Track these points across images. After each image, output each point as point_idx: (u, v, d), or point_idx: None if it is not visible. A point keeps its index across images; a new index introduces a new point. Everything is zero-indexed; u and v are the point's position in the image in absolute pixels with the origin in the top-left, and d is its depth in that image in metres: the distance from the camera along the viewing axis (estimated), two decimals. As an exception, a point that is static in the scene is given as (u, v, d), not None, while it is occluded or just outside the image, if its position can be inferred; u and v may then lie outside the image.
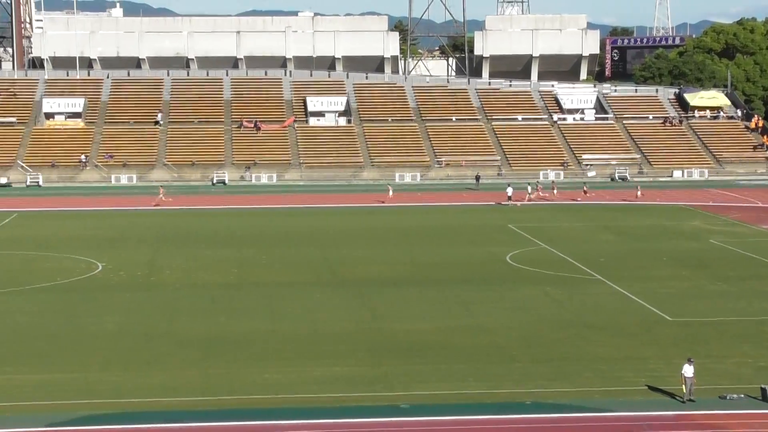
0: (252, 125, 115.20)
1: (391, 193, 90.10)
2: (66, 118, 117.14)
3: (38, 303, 46.79)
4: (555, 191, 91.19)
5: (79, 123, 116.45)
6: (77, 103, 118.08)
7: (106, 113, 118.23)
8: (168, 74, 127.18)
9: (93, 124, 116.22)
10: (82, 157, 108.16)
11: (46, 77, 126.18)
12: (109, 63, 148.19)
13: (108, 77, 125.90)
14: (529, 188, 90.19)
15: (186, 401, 32.23)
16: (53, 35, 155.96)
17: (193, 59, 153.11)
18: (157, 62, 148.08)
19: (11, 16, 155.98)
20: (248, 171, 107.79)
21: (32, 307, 45.79)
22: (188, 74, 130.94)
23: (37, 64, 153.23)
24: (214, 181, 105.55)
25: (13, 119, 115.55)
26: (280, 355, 37.60)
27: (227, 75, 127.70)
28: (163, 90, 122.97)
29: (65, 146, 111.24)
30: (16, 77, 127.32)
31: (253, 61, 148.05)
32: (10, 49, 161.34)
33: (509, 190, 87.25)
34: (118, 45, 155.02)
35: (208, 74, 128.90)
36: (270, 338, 40.06)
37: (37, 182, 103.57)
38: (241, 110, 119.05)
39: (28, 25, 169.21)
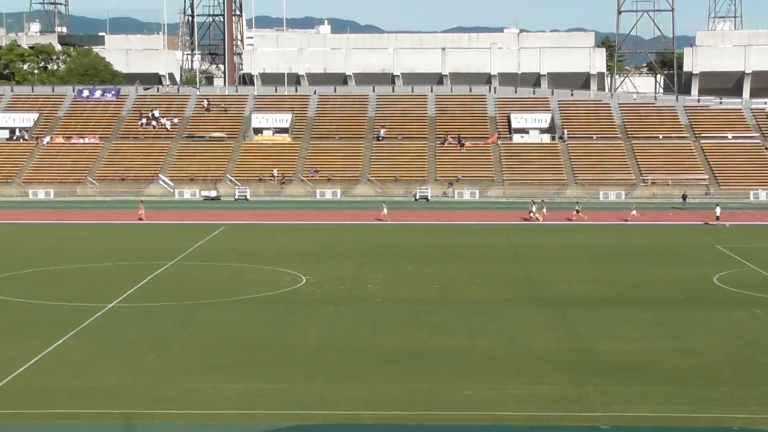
0: (456, 141, 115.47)
1: (385, 211, 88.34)
2: (273, 133, 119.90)
3: (244, 314, 47.77)
4: (545, 210, 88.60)
5: (286, 138, 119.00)
6: (285, 119, 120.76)
7: (312, 128, 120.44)
8: (373, 90, 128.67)
9: (299, 139, 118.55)
10: (274, 171, 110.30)
11: (255, 93, 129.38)
12: (316, 79, 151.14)
13: (315, 93, 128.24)
14: (534, 207, 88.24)
15: (386, 415, 32.34)
16: (263, 52, 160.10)
17: (398, 75, 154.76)
18: (363, 78, 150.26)
19: (224, 33, 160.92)
20: (451, 187, 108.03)
21: (238, 318, 46.77)
22: (393, 90, 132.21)
23: (247, 80, 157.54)
24: (417, 197, 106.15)
25: (223, 134, 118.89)
26: (480, 371, 37.37)
27: (432, 91, 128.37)
28: (368, 106, 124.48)
29: (272, 161, 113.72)
30: (227, 93, 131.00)
31: (458, 78, 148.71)
32: (222, 66, 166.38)
33: (718, 210, 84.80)
34: (325, 61, 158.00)
35: (413, 90, 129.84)
36: (470, 355, 39.87)
37: (245, 196, 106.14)
38: (445, 126, 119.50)
39: (239, 43, 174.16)
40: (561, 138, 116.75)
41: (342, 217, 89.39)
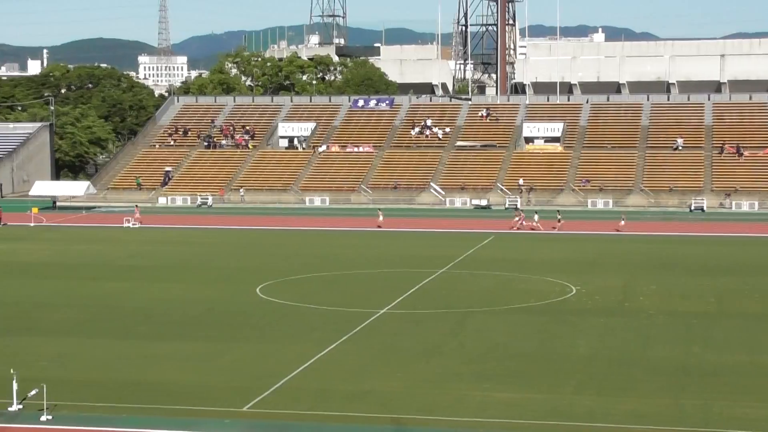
0: (734, 151, 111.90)
1: (381, 218, 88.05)
2: (545, 142, 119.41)
3: (513, 323, 47.63)
4: (516, 219, 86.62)
5: (557, 147, 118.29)
6: (556, 128, 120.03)
7: (584, 138, 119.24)
8: (648, 99, 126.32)
9: (571, 148, 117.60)
10: (520, 181, 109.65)
11: (527, 102, 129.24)
12: (588, 88, 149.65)
13: (587, 102, 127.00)
14: (536, 216, 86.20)
15: (658, 430, 31.49)
16: (535, 61, 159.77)
17: (674, 83, 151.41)
18: (637, 87, 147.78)
19: (497, 43, 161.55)
20: (728, 198, 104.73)
21: (508, 327, 46.67)
22: (668, 99, 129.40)
23: (518, 89, 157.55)
24: (692, 208, 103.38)
25: (494, 143, 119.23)
26: (759, 389, 35.89)
27: (709, 99, 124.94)
28: (642, 114, 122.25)
29: (544, 170, 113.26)
30: (498, 102, 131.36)
31: (738, 85, 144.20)
32: (494, 75, 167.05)
33: None
34: (598, 70, 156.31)
35: (689, 99, 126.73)
36: (748, 371, 38.36)
37: (515, 205, 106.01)
38: (723, 135, 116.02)
39: (512, 52, 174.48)
40: None
41: (614, 228, 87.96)
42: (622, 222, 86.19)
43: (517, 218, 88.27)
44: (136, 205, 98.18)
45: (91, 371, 38.29)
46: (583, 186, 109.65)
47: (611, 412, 33.24)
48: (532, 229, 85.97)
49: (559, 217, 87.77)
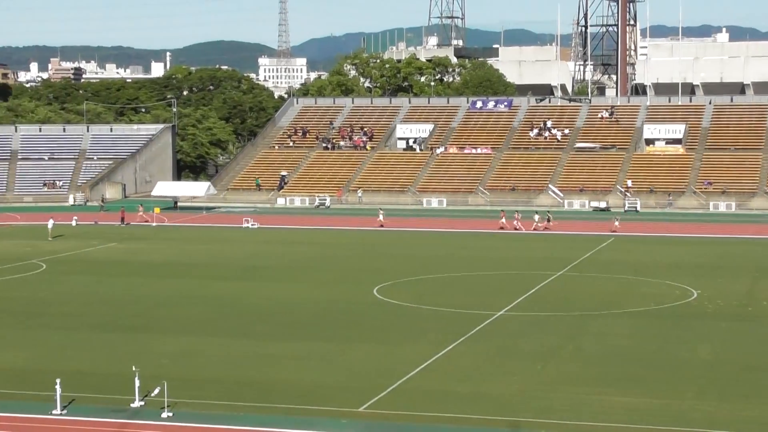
0: None
1: (381, 217, 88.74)
2: (666, 144, 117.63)
3: (632, 327, 46.98)
4: (505, 220, 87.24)
5: (678, 149, 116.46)
6: (677, 129, 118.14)
7: (706, 139, 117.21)
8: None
9: (693, 150, 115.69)
10: (628, 182, 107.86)
11: (648, 103, 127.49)
12: (711, 89, 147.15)
13: (710, 103, 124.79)
14: (536, 216, 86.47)
15: (783, 439, 30.79)
16: (657, 62, 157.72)
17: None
18: (762, 87, 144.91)
19: (617, 43, 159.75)
20: None
21: (626, 331, 46.06)
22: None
23: (639, 90, 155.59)
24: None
25: (614, 145, 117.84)
26: None
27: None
28: (767, 116, 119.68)
29: (664, 172, 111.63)
30: (618, 103, 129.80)
31: None
32: (614, 76, 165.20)
33: None
34: (721, 70, 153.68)
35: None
36: None
37: (635, 207, 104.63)
38: None
39: (632, 52, 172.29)
40: None
41: (737, 231, 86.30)
42: (616, 223, 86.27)
43: (503, 219, 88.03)
44: (140, 204, 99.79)
45: (211, 369, 38.79)
46: (705, 188, 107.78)
47: (734, 419, 32.57)
48: (535, 230, 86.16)
49: (549, 216, 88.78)
